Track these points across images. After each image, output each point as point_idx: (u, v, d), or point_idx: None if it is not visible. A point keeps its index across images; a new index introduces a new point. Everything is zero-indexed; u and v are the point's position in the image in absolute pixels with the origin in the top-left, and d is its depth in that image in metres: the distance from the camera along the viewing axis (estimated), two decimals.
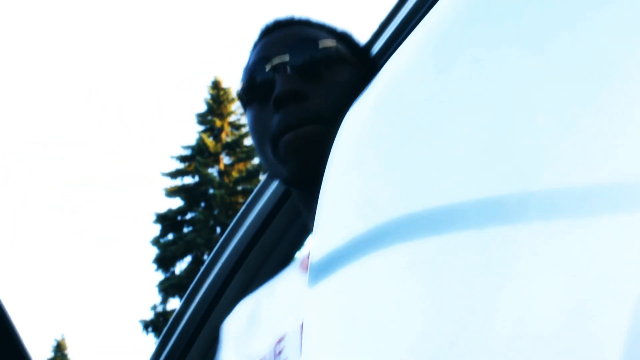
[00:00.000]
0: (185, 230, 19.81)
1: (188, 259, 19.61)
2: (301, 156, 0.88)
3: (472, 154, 0.45)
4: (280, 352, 0.88)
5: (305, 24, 0.99)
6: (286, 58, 0.91)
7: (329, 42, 0.93)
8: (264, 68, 0.92)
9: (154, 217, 19.91)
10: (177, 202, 20.05)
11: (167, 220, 19.86)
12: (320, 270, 0.55)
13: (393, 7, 1.10)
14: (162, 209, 20.08)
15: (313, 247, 0.57)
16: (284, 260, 1.31)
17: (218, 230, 19.34)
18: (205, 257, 19.20)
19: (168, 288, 19.36)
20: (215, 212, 19.42)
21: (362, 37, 1.06)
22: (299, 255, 0.97)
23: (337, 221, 0.56)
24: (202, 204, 19.72)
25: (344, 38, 0.98)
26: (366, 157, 0.58)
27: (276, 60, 0.91)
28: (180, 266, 19.71)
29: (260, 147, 0.95)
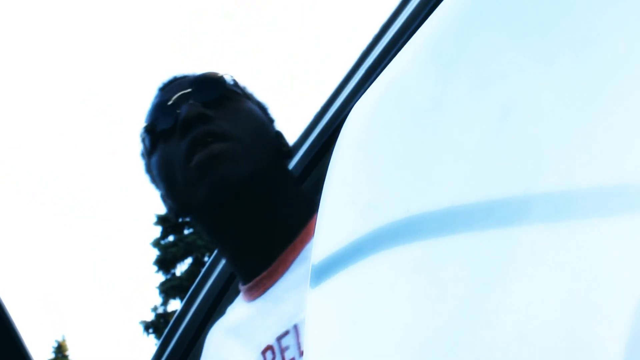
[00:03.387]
0: (186, 232, 19.83)
1: (189, 261, 19.64)
2: (212, 173, 0.90)
3: (474, 156, 0.45)
4: None
5: (205, 74, 1.02)
6: (188, 91, 0.95)
7: (227, 78, 0.98)
8: (167, 104, 0.94)
9: (154, 219, 19.93)
10: None
11: (167, 222, 19.88)
12: (321, 272, 0.55)
13: (395, 9, 1.10)
14: (163, 211, 20.07)
15: (315, 249, 0.57)
16: None
17: None
18: (206, 258, 19.21)
19: (169, 290, 19.38)
20: None
21: (364, 37, 1.08)
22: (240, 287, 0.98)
23: (339, 222, 0.56)
24: None
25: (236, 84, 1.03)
26: (368, 159, 0.58)
27: (179, 95, 0.94)
28: (181, 268, 19.74)
29: (169, 180, 0.96)
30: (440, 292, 0.43)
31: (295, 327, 0.82)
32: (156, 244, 19.67)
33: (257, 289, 0.92)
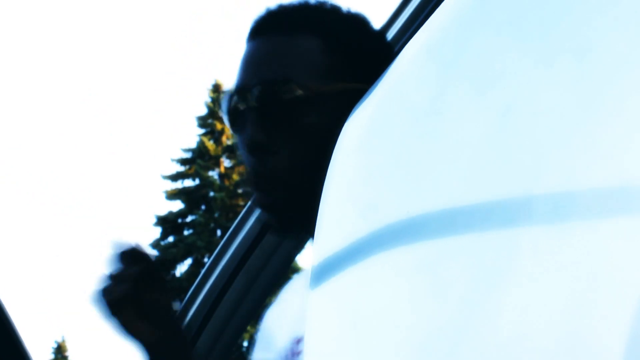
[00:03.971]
0: (186, 232, 19.81)
1: (188, 262, 19.61)
2: (268, 217, 0.90)
3: (475, 157, 0.45)
4: (299, 353, 0.89)
5: (298, 27, 0.89)
6: (255, 97, 0.86)
7: (305, 78, 0.85)
8: (238, 102, 0.88)
9: (154, 220, 19.91)
10: (177, 205, 20.04)
11: (167, 223, 19.86)
12: (322, 273, 0.55)
13: (395, 10, 1.10)
14: (163, 212, 20.08)
15: (315, 250, 0.57)
16: (285, 263, 1.31)
17: (219, 233, 19.36)
18: (205, 259, 19.19)
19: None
20: (216, 214, 19.43)
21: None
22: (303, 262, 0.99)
23: (339, 224, 0.56)
24: (203, 207, 19.73)
25: (344, 37, 0.88)
26: (368, 160, 0.58)
27: (247, 100, 0.87)
28: (181, 269, 19.71)
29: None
30: (440, 293, 0.43)
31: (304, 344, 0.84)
32: (156, 244, 19.67)
33: None
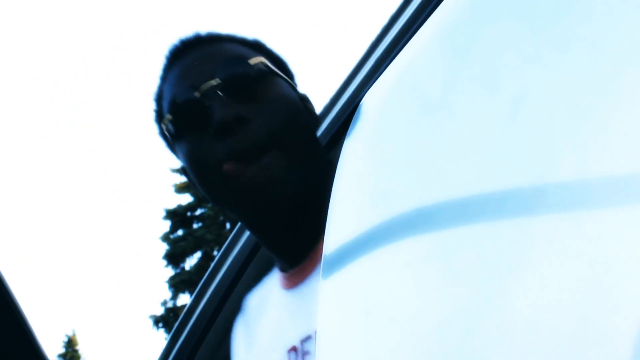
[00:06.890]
0: (195, 226, 19.90)
1: (198, 255, 19.72)
2: (264, 191, 0.82)
3: (487, 145, 0.45)
4: (307, 353, 0.85)
5: (216, 39, 0.92)
6: (215, 81, 0.85)
7: (255, 57, 0.88)
8: (193, 95, 0.85)
9: (163, 214, 20.01)
10: (186, 198, 20.13)
11: (176, 217, 19.95)
12: (334, 263, 0.55)
13: (399, 5, 1.09)
14: (172, 205, 20.17)
15: (326, 239, 0.57)
16: None
17: (228, 226, 19.44)
18: (215, 252, 19.29)
19: (178, 284, 19.48)
20: None
21: (375, 26, 1.03)
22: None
23: (351, 213, 0.56)
24: None
25: (259, 48, 0.93)
26: (380, 148, 0.58)
27: (205, 86, 0.85)
28: (190, 262, 19.83)
29: (202, 178, 0.88)
30: (453, 281, 0.43)
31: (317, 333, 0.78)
32: (165, 238, 19.75)
33: (291, 281, 0.90)
